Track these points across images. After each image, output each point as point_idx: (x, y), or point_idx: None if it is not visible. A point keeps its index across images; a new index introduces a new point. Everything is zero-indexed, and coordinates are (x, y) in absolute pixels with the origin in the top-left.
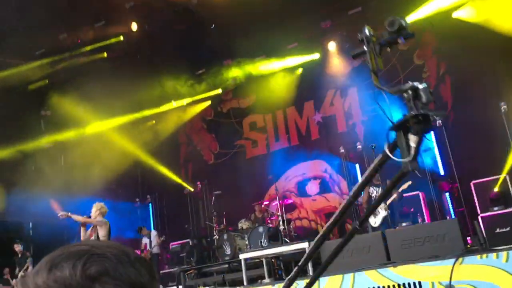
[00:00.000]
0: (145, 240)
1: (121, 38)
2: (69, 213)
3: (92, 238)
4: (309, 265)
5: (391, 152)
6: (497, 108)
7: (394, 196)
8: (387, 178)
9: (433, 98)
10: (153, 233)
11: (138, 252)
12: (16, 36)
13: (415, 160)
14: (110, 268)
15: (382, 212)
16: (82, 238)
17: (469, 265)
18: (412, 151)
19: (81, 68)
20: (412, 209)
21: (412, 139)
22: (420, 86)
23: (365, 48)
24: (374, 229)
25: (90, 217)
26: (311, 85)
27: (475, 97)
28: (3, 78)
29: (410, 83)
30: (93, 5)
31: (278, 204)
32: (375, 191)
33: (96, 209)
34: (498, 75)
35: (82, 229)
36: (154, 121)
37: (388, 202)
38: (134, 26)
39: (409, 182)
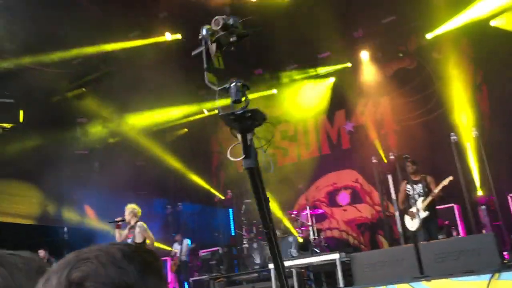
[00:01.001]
0: (175, 247)
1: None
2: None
3: (129, 240)
4: (340, 277)
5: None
6: None
7: (434, 194)
8: (431, 172)
9: (242, 97)
10: (186, 241)
11: (167, 259)
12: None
13: (248, 158)
14: (92, 272)
15: (421, 213)
16: (117, 240)
17: (505, 281)
18: (245, 149)
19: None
20: (446, 222)
21: (247, 137)
22: (232, 85)
23: (201, 47)
24: (408, 234)
25: (123, 219)
26: (342, 94)
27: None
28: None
29: (233, 81)
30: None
31: (308, 214)
32: (412, 189)
33: (129, 211)
34: None
35: (116, 231)
36: (186, 129)
37: (427, 202)
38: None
39: (450, 178)
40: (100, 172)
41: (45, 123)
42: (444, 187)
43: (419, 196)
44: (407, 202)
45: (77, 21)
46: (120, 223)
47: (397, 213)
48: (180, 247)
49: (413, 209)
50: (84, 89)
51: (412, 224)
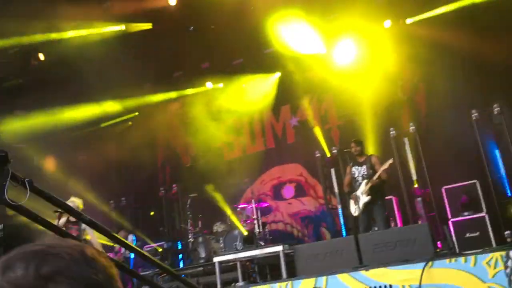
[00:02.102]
0: None
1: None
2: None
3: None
4: (283, 268)
5: None
6: (468, 116)
7: (375, 178)
8: None
9: None
10: (130, 237)
11: (111, 255)
12: None
13: None
14: (64, 268)
15: (362, 198)
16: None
17: (438, 269)
18: None
19: None
20: (386, 213)
21: None
22: None
23: None
24: (355, 218)
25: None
26: (288, 90)
27: (448, 104)
28: None
29: None
30: None
31: (254, 207)
32: (357, 171)
33: (76, 205)
34: (469, 83)
35: (56, 221)
36: (130, 123)
37: (368, 186)
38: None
39: (390, 161)
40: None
41: None
42: (385, 171)
43: (363, 178)
44: (352, 185)
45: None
46: (60, 214)
47: (339, 206)
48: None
49: (357, 193)
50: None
51: (355, 209)
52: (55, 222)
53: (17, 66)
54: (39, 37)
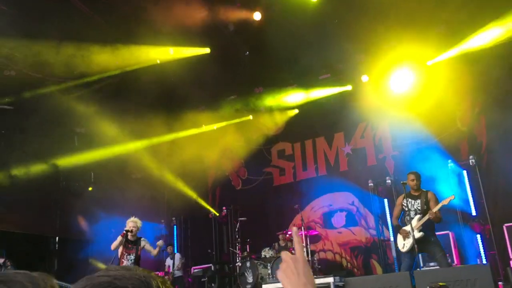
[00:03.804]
0: (168, 262)
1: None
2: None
3: (131, 256)
4: None
5: None
6: None
7: (432, 212)
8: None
9: None
10: (177, 255)
11: (161, 273)
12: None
13: None
14: None
15: (414, 233)
16: (121, 259)
17: None
18: None
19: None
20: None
21: None
22: None
23: None
24: (399, 254)
25: (130, 230)
26: (342, 117)
27: (509, 137)
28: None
29: None
30: None
31: (303, 235)
32: (409, 204)
33: (138, 225)
34: None
35: (119, 238)
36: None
37: (422, 221)
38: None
39: (452, 197)
40: (95, 184)
41: None
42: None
43: (416, 213)
44: (402, 219)
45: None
46: (126, 233)
47: (392, 238)
48: (172, 261)
49: (407, 228)
50: None
51: (403, 244)
52: (119, 238)
53: None
54: None
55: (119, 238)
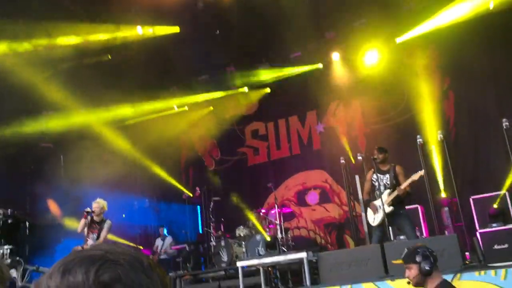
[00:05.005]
0: (158, 243)
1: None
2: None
3: (92, 235)
4: (307, 276)
5: None
6: (498, 124)
7: (401, 190)
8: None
9: None
10: (169, 239)
11: (148, 252)
12: None
13: None
14: (123, 275)
15: (384, 208)
16: (86, 238)
17: (467, 281)
18: None
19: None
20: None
21: None
22: None
23: None
24: (370, 227)
25: (93, 211)
26: (314, 95)
27: (477, 113)
28: None
29: None
30: None
31: (277, 213)
32: (378, 179)
33: (101, 206)
34: (500, 91)
35: (83, 220)
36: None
37: (392, 197)
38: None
39: (421, 173)
40: (65, 165)
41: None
42: (412, 182)
43: (385, 188)
44: (372, 194)
45: None
46: (87, 214)
47: (363, 214)
48: (162, 243)
49: (377, 202)
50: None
51: (374, 218)
52: (83, 221)
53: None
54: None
55: (82, 220)
